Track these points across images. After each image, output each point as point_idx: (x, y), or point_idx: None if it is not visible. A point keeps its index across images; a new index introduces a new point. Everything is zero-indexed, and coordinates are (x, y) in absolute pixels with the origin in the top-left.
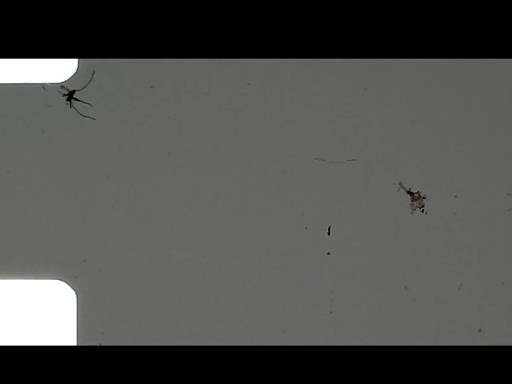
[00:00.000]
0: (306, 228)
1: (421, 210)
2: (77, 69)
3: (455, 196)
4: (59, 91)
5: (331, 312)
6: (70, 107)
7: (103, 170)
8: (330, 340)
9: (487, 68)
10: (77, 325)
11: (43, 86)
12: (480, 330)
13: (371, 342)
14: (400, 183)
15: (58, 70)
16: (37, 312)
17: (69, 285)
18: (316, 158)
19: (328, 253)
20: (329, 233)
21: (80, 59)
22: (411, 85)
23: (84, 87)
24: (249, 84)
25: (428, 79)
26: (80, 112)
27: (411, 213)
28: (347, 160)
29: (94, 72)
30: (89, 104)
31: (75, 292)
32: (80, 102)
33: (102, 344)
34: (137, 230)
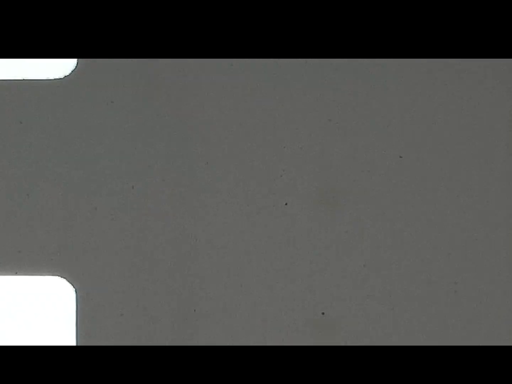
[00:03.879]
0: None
1: None
2: (76, 67)
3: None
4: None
5: (322, 314)
6: None
7: (104, 169)
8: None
9: (487, 68)
10: (76, 322)
11: None
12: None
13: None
14: None
15: (57, 68)
16: (36, 308)
17: (68, 281)
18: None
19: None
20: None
21: (79, 59)
22: (411, 85)
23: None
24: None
25: (429, 79)
26: None
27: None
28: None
29: None
30: None
31: (75, 289)
32: None
33: (101, 343)
34: (137, 228)
